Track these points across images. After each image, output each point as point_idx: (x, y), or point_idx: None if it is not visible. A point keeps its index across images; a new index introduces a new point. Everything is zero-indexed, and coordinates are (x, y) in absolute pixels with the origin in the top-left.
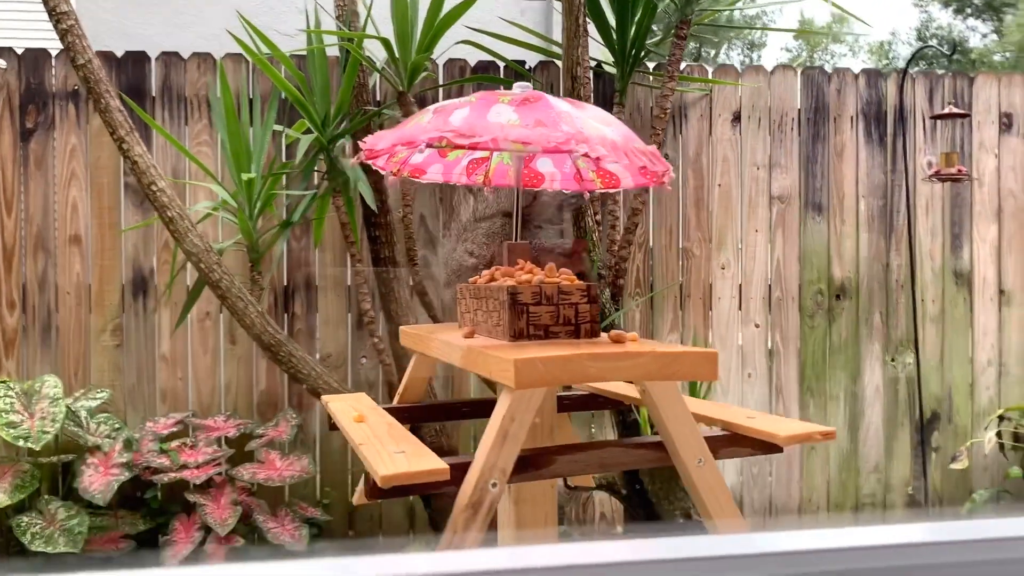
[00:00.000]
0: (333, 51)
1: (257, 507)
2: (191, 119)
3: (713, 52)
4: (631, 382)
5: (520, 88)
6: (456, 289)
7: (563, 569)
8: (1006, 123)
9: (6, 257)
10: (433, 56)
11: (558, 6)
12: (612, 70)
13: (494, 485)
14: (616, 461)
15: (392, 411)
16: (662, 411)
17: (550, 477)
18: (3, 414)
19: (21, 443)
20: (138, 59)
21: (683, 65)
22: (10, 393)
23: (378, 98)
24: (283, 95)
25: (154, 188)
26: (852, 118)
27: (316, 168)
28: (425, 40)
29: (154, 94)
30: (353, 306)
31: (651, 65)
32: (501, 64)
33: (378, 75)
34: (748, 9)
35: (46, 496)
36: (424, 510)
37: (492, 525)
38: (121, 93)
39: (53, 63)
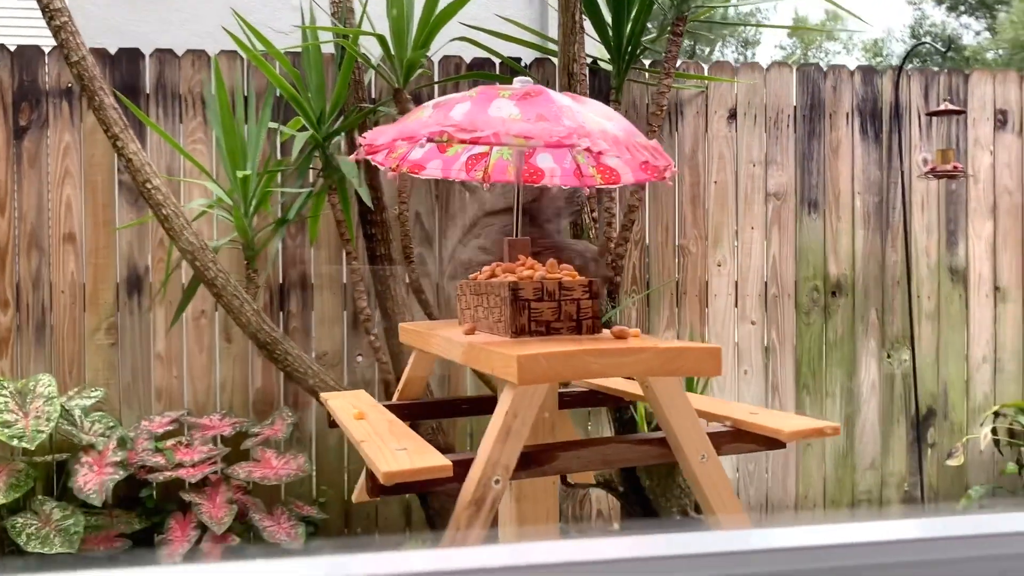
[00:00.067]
0: (328, 48)
1: (253, 506)
2: (186, 116)
3: (708, 50)
4: (631, 378)
5: (521, 83)
6: (456, 285)
7: (562, 566)
8: (1001, 120)
9: (0, 255)
10: (429, 53)
11: (554, 3)
12: (608, 67)
13: (497, 482)
14: (619, 457)
15: (392, 408)
16: (665, 407)
17: (553, 473)
18: None
19: (15, 442)
20: (132, 56)
21: (679, 62)
22: (4, 392)
23: (374, 95)
24: (278, 92)
25: (149, 186)
26: (848, 115)
27: (311, 165)
28: (421, 37)
29: (148, 91)
30: (349, 304)
31: (647, 62)
32: (497, 61)
33: (374, 72)
34: (743, 6)
35: (41, 496)
36: (421, 508)
37: (493, 522)
38: (115, 90)
39: (46, 60)
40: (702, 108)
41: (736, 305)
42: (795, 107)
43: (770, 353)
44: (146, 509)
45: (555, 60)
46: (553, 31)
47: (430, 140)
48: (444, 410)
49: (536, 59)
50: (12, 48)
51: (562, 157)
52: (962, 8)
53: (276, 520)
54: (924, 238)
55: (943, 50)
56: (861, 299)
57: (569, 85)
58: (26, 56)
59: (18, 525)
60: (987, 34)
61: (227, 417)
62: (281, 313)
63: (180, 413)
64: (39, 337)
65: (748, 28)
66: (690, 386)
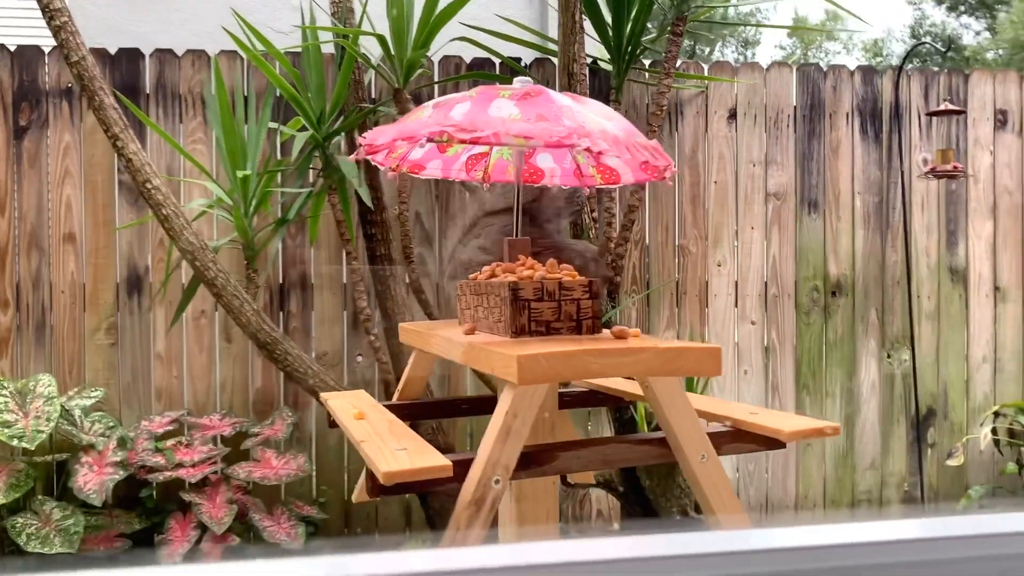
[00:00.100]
0: (328, 48)
1: (253, 506)
2: (186, 116)
3: (708, 50)
4: (631, 378)
5: (521, 83)
6: (456, 286)
7: (562, 566)
8: (1001, 120)
9: (0, 255)
10: (429, 53)
11: (554, 3)
12: (608, 67)
13: (497, 482)
14: (620, 457)
15: (392, 408)
16: (665, 407)
17: (553, 473)
18: None
19: (15, 442)
20: (132, 56)
21: (679, 62)
22: (4, 392)
23: (373, 95)
24: (278, 92)
25: (149, 186)
26: (848, 115)
27: (311, 165)
28: (421, 37)
29: (148, 91)
30: (349, 304)
31: (647, 62)
32: (497, 61)
33: (374, 72)
34: (742, 6)
35: (41, 496)
36: (421, 508)
37: (493, 522)
38: (115, 90)
39: (46, 60)
40: (702, 108)
41: (736, 305)
42: (795, 107)
43: (770, 353)
44: (146, 509)
45: (555, 60)
46: (553, 31)
47: (430, 140)
48: (444, 410)
49: (536, 59)
50: (12, 48)
51: (562, 157)
52: (962, 8)
53: (276, 520)
54: (924, 238)
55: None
56: (861, 299)
57: (569, 85)
58: (26, 56)
59: (18, 525)
60: (987, 34)
61: (227, 417)
62: (281, 313)
63: (180, 413)
64: (39, 337)
65: (748, 28)
66: (690, 386)
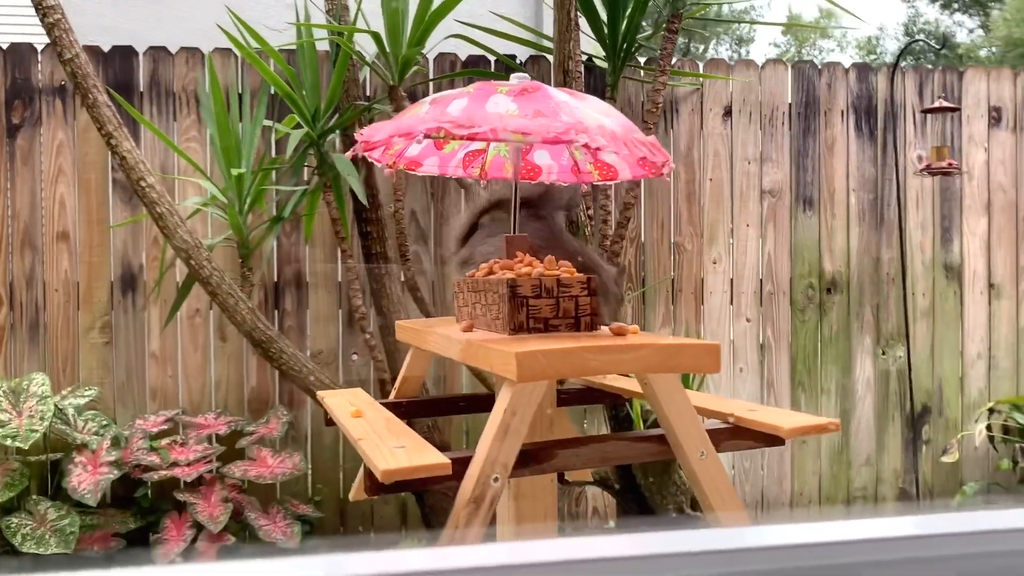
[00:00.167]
0: (323, 45)
1: (248, 504)
2: (179, 114)
3: (702, 47)
4: (627, 375)
5: (518, 79)
6: (454, 283)
7: (560, 564)
8: (995, 117)
9: None
10: (424, 50)
11: (549, 0)
12: (603, 64)
13: (496, 480)
14: (619, 455)
15: (389, 406)
16: (664, 404)
17: (552, 471)
18: None
19: (9, 442)
20: (125, 54)
21: (674, 60)
22: None
23: (368, 93)
24: (272, 90)
25: (143, 184)
26: (843, 112)
27: (306, 163)
28: (416, 34)
29: (142, 89)
30: (344, 302)
31: (642, 60)
32: (492, 58)
33: (368, 69)
34: (737, 3)
35: (35, 496)
36: (417, 506)
37: (491, 520)
38: (109, 88)
39: (39, 58)
40: (697, 105)
41: (731, 302)
42: (790, 104)
43: (765, 350)
44: (141, 508)
45: (550, 58)
46: (548, 28)
47: (427, 136)
48: (441, 408)
49: (531, 56)
50: (5, 46)
51: (559, 153)
52: (955, 6)
53: (272, 519)
54: (919, 235)
55: (938, 47)
56: (856, 296)
57: (564, 82)
58: (19, 54)
59: (13, 525)
60: (980, 32)
61: (222, 416)
62: (276, 311)
63: (175, 412)
64: (33, 336)
65: (742, 26)
66: (685, 383)
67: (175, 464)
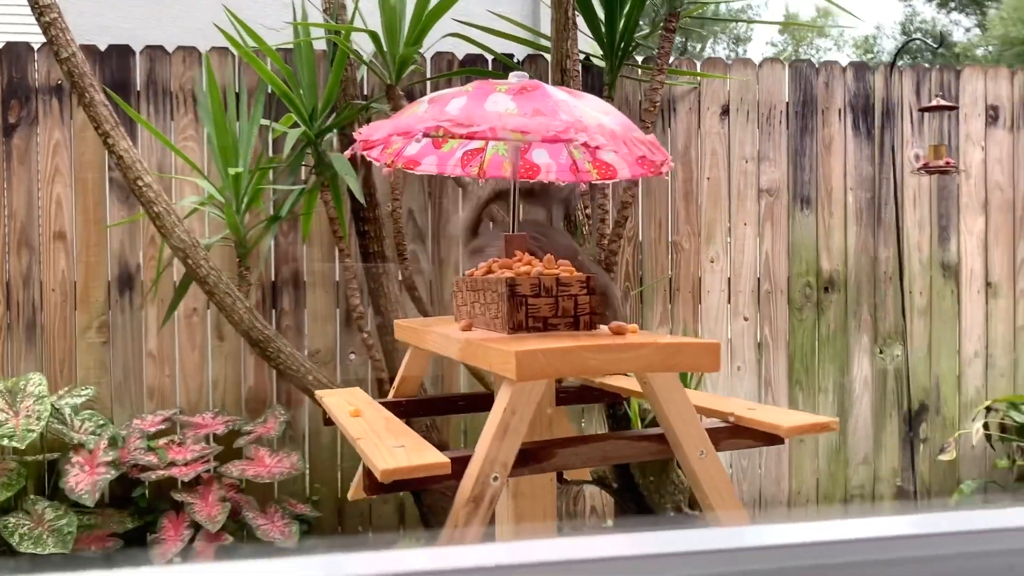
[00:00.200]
0: (320, 44)
1: (246, 504)
2: (177, 113)
3: (699, 46)
4: (626, 374)
5: (517, 77)
6: (452, 282)
7: (560, 564)
8: (992, 116)
9: None
10: (421, 49)
11: None
12: (601, 63)
13: (495, 479)
14: (619, 454)
15: (387, 405)
16: (663, 403)
17: (551, 470)
18: None
19: (6, 442)
20: (122, 53)
21: (671, 59)
22: None
23: (366, 92)
24: (270, 89)
25: (140, 183)
26: (840, 111)
27: (304, 162)
28: (413, 33)
29: (139, 88)
30: (342, 301)
31: (640, 58)
32: (489, 57)
33: (366, 68)
34: (734, 3)
35: (33, 496)
36: (415, 505)
37: (490, 520)
38: (105, 87)
39: (36, 57)
40: (695, 104)
41: (729, 301)
42: (787, 103)
43: (763, 349)
44: (139, 508)
45: (548, 57)
46: (546, 27)
47: (426, 135)
48: (440, 407)
49: (529, 55)
50: (1, 45)
51: (558, 152)
52: (952, 5)
53: (270, 518)
54: (916, 234)
55: (935, 46)
56: (853, 295)
57: (562, 81)
58: (15, 52)
59: (10, 525)
60: (977, 31)
61: (219, 415)
62: (273, 311)
63: (172, 412)
64: (30, 336)
65: (739, 25)
66: (683, 382)
67: (173, 464)
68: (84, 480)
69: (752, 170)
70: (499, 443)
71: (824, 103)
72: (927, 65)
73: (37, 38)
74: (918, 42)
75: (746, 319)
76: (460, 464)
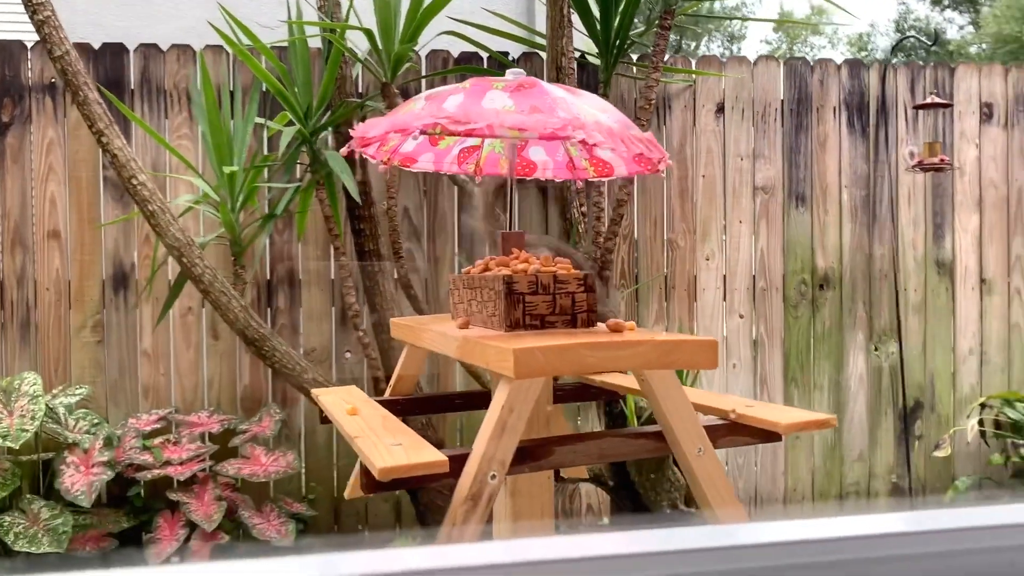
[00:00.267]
0: (315, 42)
1: (242, 503)
2: (171, 112)
3: (694, 44)
4: (623, 371)
5: (513, 74)
6: (449, 280)
7: (558, 563)
8: (987, 113)
9: None
10: (416, 47)
11: None
12: (596, 61)
13: (493, 477)
14: (616, 451)
15: (384, 403)
16: (661, 400)
17: (549, 468)
18: None
19: (0, 441)
20: (116, 51)
21: (666, 56)
22: None
23: (361, 90)
24: (265, 87)
25: (134, 182)
26: (835, 109)
27: (299, 161)
28: (408, 31)
29: (133, 87)
30: (337, 300)
31: (635, 56)
32: (484, 55)
33: (361, 66)
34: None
35: (29, 495)
36: (411, 504)
37: (488, 518)
38: (99, 86)
39: (29, 55)
40: (690, 102)
41: (724, 299)
42: (782, 101)
43: (758, 346)
44: (134, 508)
45: (543, 54)
46: (541, 25)
47: (423, 132)
48: (437, 405)
49: (524, 53)
50: None
51: (555, 150)
52: (946, 3)
53: (266, 517)
54: (911, 231)
55: (929, 44)
56: (848, 292)
57: (558, 79)
58: (8, 51)
59: (6, 524)
60: (971, 28)
61: (215, 414)
62: (269, 309)
63: (167, 410)
64: (24, 335)
65: (734, 23)
66: (679, 379)
67: (168, 463)
68: (80, 480)
69: (747, 168)
70: (497, 441)
71: (819, 101)
72: (921, 63)
73: (30, 36)
74: (912, 39)
75: (741, 316)
76: (458, 462)
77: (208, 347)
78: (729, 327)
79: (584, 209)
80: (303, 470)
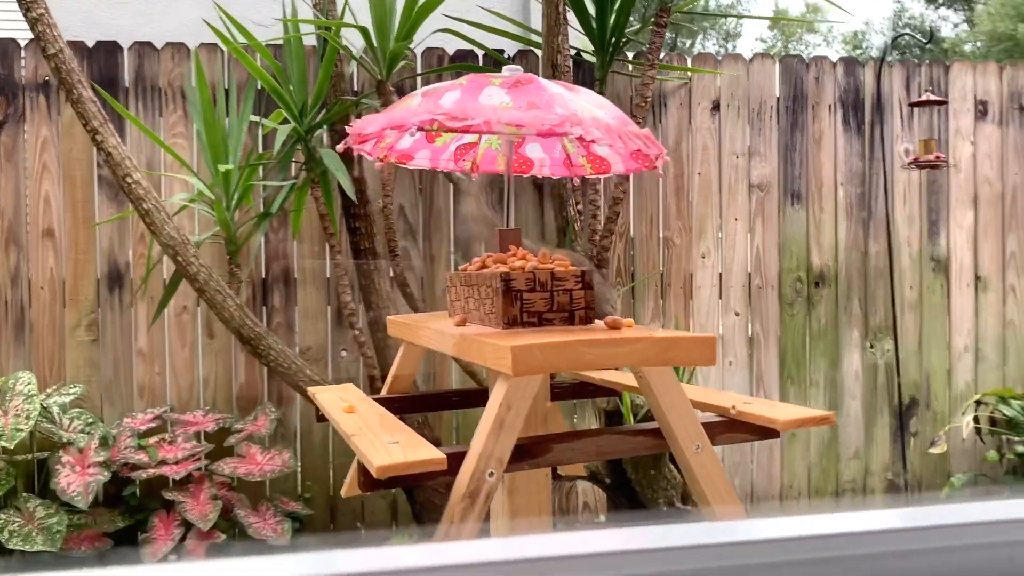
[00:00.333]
0: (310, 40)
1: (238, 502)
2: (166, 110)
3: (689, 42)
4: (621, 368)
5: (511, 71)
6: (446, 277)
7: (556, 560)
8: (982, 110)
9: None
10: (411, 45)
11: None
12: (592, 59)
13: (491, 474)
14: (614, 449)
15: (381, 402)
16: (659, 397)
17: (547, 465)
18: None
19: None
20: (110, 49)
21: (662, 54)
22: None
23: (356, 87)
24: (259, 85)
25: (129, 180)
26: (830, 106)
27: (294, 159)
28: (404, 28)
29: (127, 85)
30: (333, 298)
31: (630, 54)
32: (480, 53)
33: (356, 64)
34: None
35: (24, 494)
36: (407, 502)
37: (485, 516)
38: (93, 84)
39: (23, 53)
40: (685, 100)
41: (720, 296)
42: (778, 99)
43: (754, 344)
44: (129, 507)
45: (539, 52)
46: (536, 23)
47: (420, 129)
48: (433, 403)
49: (520, 51)
50: None
51: (552, 147)
52: (940, 1)
53: (261, 516)
54: (906, 228)
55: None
56: (844, 290)
57: (553, 77)
58: (2, 49)
59: (0, 522)
60: (965, 26)
61: (210, 413)
62: (264, 308)
63: (163, 410)
64: (18, 334)
65: (729, 21)
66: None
67: (163, 462)
68: (76, 481)
69: (743, 165)
70: (495, 438)
71: (814, 98)
72: (916, 60)
73: (24, 34)
74: (907, 37)
75: (737, 314)
76: (456, 460)
77: (203, 346)
78: (725, 325)
79: (580, 207)
80: (299, 469)
